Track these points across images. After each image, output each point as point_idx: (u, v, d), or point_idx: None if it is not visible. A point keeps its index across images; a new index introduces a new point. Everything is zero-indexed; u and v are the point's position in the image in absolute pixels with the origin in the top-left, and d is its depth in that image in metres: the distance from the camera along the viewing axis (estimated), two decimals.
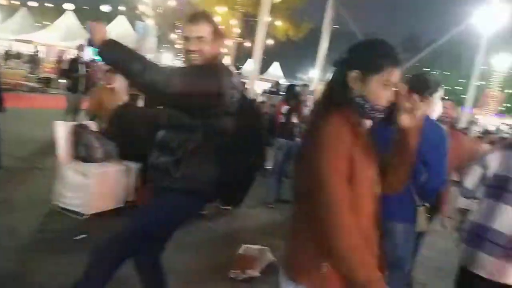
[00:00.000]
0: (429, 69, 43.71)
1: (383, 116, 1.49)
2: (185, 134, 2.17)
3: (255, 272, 3.58)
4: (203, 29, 2.16)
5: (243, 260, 3.66)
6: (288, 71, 34.63)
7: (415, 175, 2.43)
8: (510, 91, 32.32)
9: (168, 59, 26.08)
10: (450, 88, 41.23)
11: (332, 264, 1.36)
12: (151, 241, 2.34)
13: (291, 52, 44.17)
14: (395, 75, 1.46)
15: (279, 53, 31.83)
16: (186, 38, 2.17)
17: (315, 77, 15.18)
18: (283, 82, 24.92)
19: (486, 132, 11.66)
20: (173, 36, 22.76)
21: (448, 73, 41.68)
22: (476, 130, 14.22)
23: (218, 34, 2.23)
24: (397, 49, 1.50)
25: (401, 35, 54.22)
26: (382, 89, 1.45)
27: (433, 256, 3.89)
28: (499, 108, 28.93)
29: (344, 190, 1.34)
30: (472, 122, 19.84)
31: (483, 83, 31.79)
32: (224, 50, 23.14)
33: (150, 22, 15.22)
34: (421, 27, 56.55)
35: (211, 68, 2.14)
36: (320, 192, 1.33)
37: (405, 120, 1.48)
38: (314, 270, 1.40)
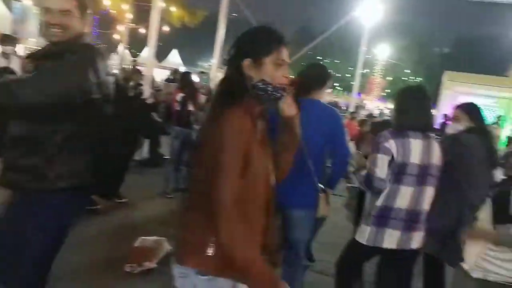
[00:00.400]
0: (321, 58, 46.65)
1: (284, 95, 1.55)
2: (50, 125, 1.88)
3: (152, 264, 3.51)
4: (68, 2, 1.91)
5: (139, 253, 3.57)
6: (188, 59, 34.12)
7: (317, 162, 2.60)
8: (391, 78, 35.83)
9: None
10: (340, 75, 44.34)
11: (218, 245, 1.43)
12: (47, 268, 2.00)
13: (190, 40, 43.58)
14: (283, 52, 1.54)
15: (177, 40, 31.20)
16: (48, 10, 1.90)
17: (214, 64, 15.17)
18: (183, 70, 24.58)
19: (370, 116, 12.78)
20: None
21: (339, 61, 44.62)
22: (363, 114, 15.47)
23: (84, 10, 2.00)
24: (279, 30, 1.58)
25: (296, 24, 56.59)
26: (276, 68, 1.52)
27: (325, 231, 4.18)
28: (382, 93, 31.92)
29: (236, 178, 1.41)
30: (360, 107, 21.67)
31: (368, 71, 34.88)
32: (116, 36, 21.82)
33: (28, 3, 13.73)
34: (314, 17, 59.67)
35: (75, 59, 1.88)
36: (217, 178, 1.40)
37: (285, 109, 1.56)
38: (200, 252, 1.47)
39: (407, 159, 2.43)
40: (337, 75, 44.98)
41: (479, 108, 2.94)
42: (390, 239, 2.49)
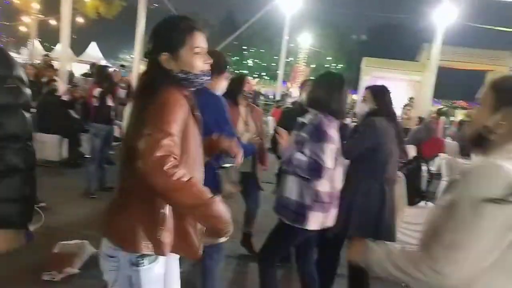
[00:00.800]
0: (246, 47, 46.95)
1: (209, 80, 1.59)
2: None
3: (73, 270, 3.33)
4: None
5: (59, 259, 3.37)
6: (108, 52, 32.58)
7: None
8: (313, 65, 37.03)
9: None
10: (265, 64, 44.99)
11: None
12: None
13: (110, 32, 41.54)
14: (199, 39, 1.54)
15: (96, 32, 29.58)
16: None
17: (136, 57, 14.60)
18: (104, 63, 23.37)
19: (295, 103, 13.10)
20: None
21: (263, 50, 45.19)
22: (289, 101, 15.81)
23: None
24: (190, 16, 1.60)
25: (220, 14, 56.25)
26: (195, 57, 1.53)
27: (256, 220, 4.22)
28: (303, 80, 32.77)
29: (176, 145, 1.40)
30: (286, 95, 22.15)
31: (292, 59, 35.72)
32: (23, 28, 20.05)
33: None
34: (237, 6, 59.61)
35: None
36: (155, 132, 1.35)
37: None
38: (151, 236, 1.47)
39: (337, 144, 2.56)
40: (263, 64, 45.60)
41: (385, 90, 3.07)
42: (332, 218, 2.63)
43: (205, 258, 2.73)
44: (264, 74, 42.79)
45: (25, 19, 18.74)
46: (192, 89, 1.58)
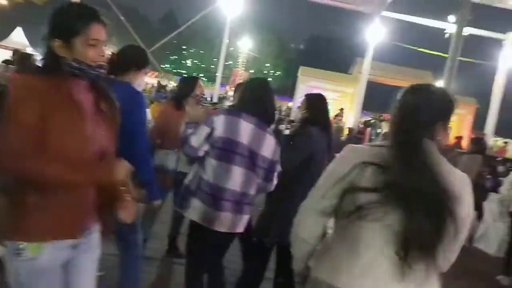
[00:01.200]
0: (186, 47, 46.33)
1: (104, 72, 1.56)
2: None
3: None
4: None
5: None
6: (36, 39, 30.44)
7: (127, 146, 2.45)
8: (252, 71, 37.46)
9: None
10: (204, 66, 44.67)
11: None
12: None
13: (39, 17, 38.91)
14: (96, 31, 1.52)
15: (22, 17, 27.51)
16: None
17: None
18: (30, 51, 21.77)
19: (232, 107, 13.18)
20: None
21: (203, 52, 44.86)
22: (226, 104, 15.83)
23: None
24: (92, 6, 1.55)
25: (160, 12, 55.02)
26: (89, 48, 1.50)
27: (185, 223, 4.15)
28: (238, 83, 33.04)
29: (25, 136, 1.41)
30: (224, 98, 22.15)
31: (231, 63, 35.85)
32: None
33: None
34: (179, 5, 58.68)
35: None
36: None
37: None
38: (18, 222, 1.47)
39: (233, 136, 2.45)
40: (201, 65, 45.24)
41: (321, 99, 3.12)
42: (222, 222, 2.49)
43: (122, 255, 2.63)
44: (202, 75, 42.45)
45: None
46: (87, 79, 1.56)
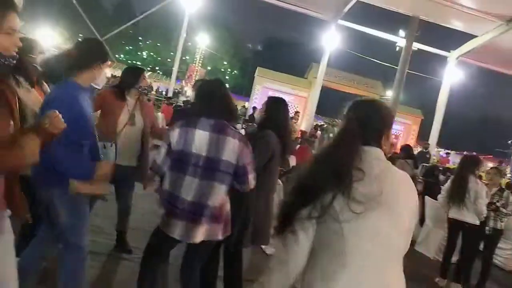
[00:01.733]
0: (142, 38, 45.13)
1: (14, 63, 1.54)
2: None
3: None
4: None
5: None
6: None
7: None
8: (209, 67, 37.18)
9: None
10: (160, 59, 43.76)
11: None
12: None
13: None
14: (11, 20, 1.50)
15: None
16: None
17: None
18: None
19: (187, 102, 13.05)
20: None
21: (160, 44, 43.92)
22: (181, 100, 15.64)
23: None
24: None
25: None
26: (4, 38, 1.49)
27: (135, 217, 4.07)
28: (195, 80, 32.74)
29: None
30: (179, 93, 21.83)
31: (188, 58, 35.38)
32: None
33: None
34: None
35: None
36: None
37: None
38: None
39: (187, 148, 2.46)
40: (158, 58, 44.26)
41: (281, 103, 3.18)
42: (176, 229, 2.50)
43: (65, 252, 2.49)
44: (158, 68, 41.55)
45: None
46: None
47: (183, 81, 27.14)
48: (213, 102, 2.56)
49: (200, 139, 2.47)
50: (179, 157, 2.49)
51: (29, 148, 1.52)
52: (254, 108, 15.71)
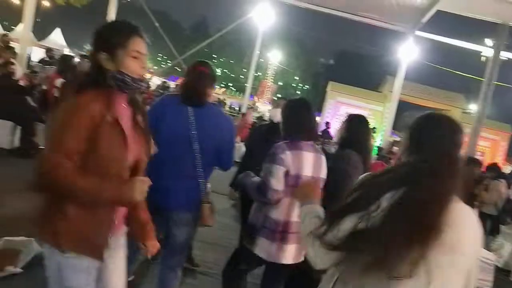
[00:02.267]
0: (216, 56, 46.89)
1: (146, 85, 1.58)
2: None
3: (16, 269, 3.11)
4: None
5: (1, 256, 3.13)
6: (72, 40, 31.41)
7: (207, 166, 2.56)
8: (281, 83, 37.53)
9: None
10: (234, 76, 45.05)
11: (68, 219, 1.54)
12: None
13: (77, 20, 40.10)
14: (138, 44, 1.62)
15: (61, 19, 28.48)
16: None
17: None
18: (67, 51, 22.45)
19: (261, 118, 13.23)
20: None
21: (233, 61, 45.27)
22: (254, 115, 15.90)
23: None
24: (132, 22, 1.66)
25: (192, 19, 55.86)
26: (132, 61, 1.60)
27: (210, 231, 4.15)
28: (273, 97, 33.28)
29: (71, 148, 1.50)
30: (252, 109, 22.25)
31: (260, 74, 36.03)
32: None
33: None
34: (210, 14, 59.54)
35: None
36: (50, 143, 1.51)
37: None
38: (52, 227, 1.57)
39: (300, 172, 2.45)
40: (231, 75, 45.64)
41: (362, 121, 3.03)
42: (288, 255, 2.50)
43: (169, 270, 2.69)
44: (231, 85, 42.78)
45: None
46: (129, 92, 1.66)
47: (255, 97, 27.65)
48: (303, 122, 2.56)
49: (308, 161, 2.48)
50: (295, 182, 2.42)
51: (138, 188, 1.56)
52: (327, 123, 15.48)
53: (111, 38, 1.59)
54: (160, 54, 44.53)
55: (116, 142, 1.60)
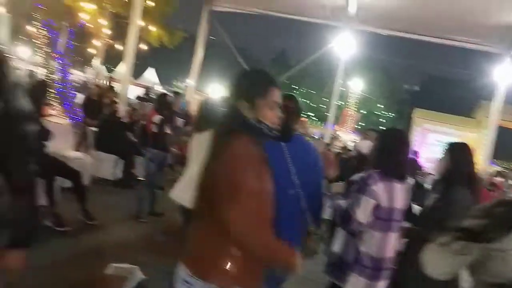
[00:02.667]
0: (297, 87, 47.44)
1: (279, 134, 1.72)
2: None
3: None
4: None
5: (109, 281, 3.36)
6: (164, 78, 33.96)
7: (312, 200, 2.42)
8: (364, 111, 36.71)
9: (25, 54, 22.99)
10: (315, 105, 45.09)
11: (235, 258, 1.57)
12: None
13: (168, 59, 43.45)
14: (276, 95, 1.70)
15: (154, 59, 31.03)
16: None
17: (191, 86, 15.10)
18: (159, 88, 24.29)
19: (345, 148, 12.97)
20: (29, 28, 19.58)
21: (314, 92, 45.44)
22: (337, 145, 15.66)
23: None
24: (270, 72, 1.75)
25: (273, 52, 57.49)
26: (270, 110, 1.67)
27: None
28: (356, 126, 32.65)
29: (251, 197, 1.52)
30: (334, 138, 21.97)
31: (342, 103, 35.63)
32: (91, 50, 21.01)
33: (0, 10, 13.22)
34: (290, 46, 60.93)
35: None
36: (237, 195, 1.50)
37: None
38: (221, 266, 1.57)
39: (392, 204, 2.35)
40: (312, 105, 45.77)
41: (464, 149, 2.79)
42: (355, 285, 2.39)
43: None
44: (313, 115, 42.82)
45: (95, 42, 19.86)
46: (262, 139, 1.69)
47: (336, 126, 27.33)
48: (396, 155, 2.45)
49: (398, 192, 2.39)
50: (388, 216, 2.34)
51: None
52: (416, 152, 14.70)
53: (254, 87, 1.67)
54: None
55: (269, 187, 1.66)
